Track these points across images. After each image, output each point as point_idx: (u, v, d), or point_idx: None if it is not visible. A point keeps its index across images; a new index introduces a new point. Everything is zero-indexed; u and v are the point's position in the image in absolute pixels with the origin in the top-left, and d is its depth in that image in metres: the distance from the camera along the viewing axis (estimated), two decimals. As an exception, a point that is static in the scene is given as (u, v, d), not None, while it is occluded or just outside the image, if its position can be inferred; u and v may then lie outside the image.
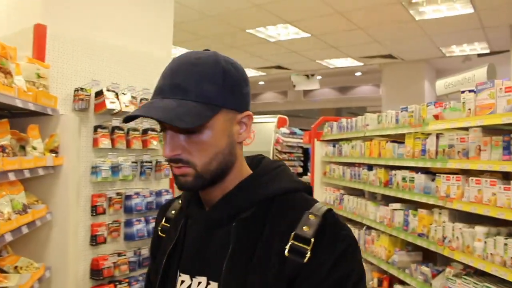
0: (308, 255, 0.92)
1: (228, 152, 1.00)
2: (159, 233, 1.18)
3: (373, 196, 4.47)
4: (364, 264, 4.38)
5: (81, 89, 2.73)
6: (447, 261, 3.07)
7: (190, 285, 1.03)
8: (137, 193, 3.02)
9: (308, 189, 1.09)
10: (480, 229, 2.66)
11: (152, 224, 3.13)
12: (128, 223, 3.00)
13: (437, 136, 3.16)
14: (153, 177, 3.20)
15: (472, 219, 2.90)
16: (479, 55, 9.83)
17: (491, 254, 2.53)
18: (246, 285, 0.95)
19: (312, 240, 0.93)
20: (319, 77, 12.91)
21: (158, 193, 3.18)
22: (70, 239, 2.70)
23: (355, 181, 4.51)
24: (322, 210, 0.98)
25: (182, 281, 1.05)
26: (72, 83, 2.73)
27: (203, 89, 0.94)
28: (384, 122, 3.97)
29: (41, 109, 2.25)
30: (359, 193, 4.73)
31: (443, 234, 2.97)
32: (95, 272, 2.80)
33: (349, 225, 4.11)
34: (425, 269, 3.22)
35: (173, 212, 1.19)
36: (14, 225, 1.95)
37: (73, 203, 2.72)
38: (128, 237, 2.99)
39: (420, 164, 3.28)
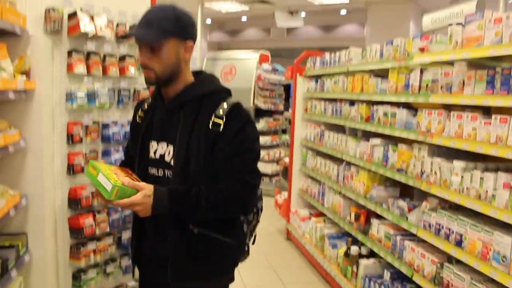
0: (221, 127, 1.65)
1: (176, 64, 1.70)
2: (138, 120, 1.90)
3: (354, 133, 4.48)
4: (342, 199, 4.43)
5: (53, 9, 2.56)
6: (424, 197, 3.12)
7: (157, 148, 1.78)
8: (114, 122, 2.93)
9: (228, 92, 1.80)
10: (458, 164, 2.68)
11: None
12: (106, 153, 2.94)
13: (422, 70, 3.12)
14: (131, 106, 3.11)
15: (451, 154, 2.92)
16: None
17: (467, 188, 2.57)
18: (189, 144, 1.67)
19: (224, 118, 1.66)
20: (303, 15, 12.59)
21: (137, 123, 3.10)
22: (46, 167, 2.64)
23: (337, 117, 4.49)
24: (232, 102, 1.71)
25: (152, 145, 1.79)
26: (42, 1, 2.55)
27: (161, 23, 1.64)
28: (368, 57, 3.89)
29: (8, 27, 2.10)
30: (340, 129, 4.73)
31: (421, 169, 3.01)
32: (73, 201, 2.76)
33: (328, 161, 4.11)
34: (401, 203, 3.28)
35: (146, 105, 1.89)
36: (-16, 148, 1.87)
37: (48, 130, 2.63)
38: (106, 167, 2.94)
39: (402, 99, 3.26)
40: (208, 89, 1.75)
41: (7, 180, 2.54)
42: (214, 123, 1.65)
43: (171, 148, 1.73)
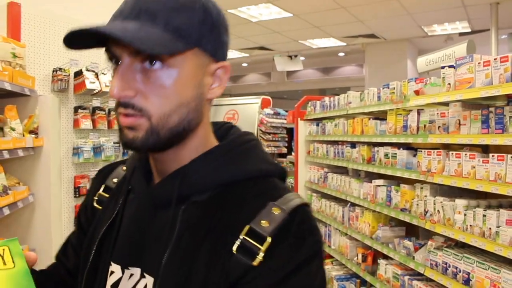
0: (259, 257, 0.71)
1: (194, 107, 0.78)
2: (95, 203, 0.94)
3: (356, 173, 4.52)
4: (348, 240, 4.42)
5: (60, 69, 2.69)
6: (429, 235, 3.13)
7: (121, 278, 0.81)
8: (120, 174, 3.01)
9: (281, 173, 0.86)
10: (460, 202, 2.71)
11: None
12: (112, 204, 3.00)
13: (418, 112, 3.20)
14: (136, 158, 3.19)
15: (453, 192, 2.95)
16: (461, 34, 9.90)
17: (470, 225, 2.58)
18: (186, 282, 0.74)
19: (269, 239, 0.72)
20: (302, 58, 12.89)
21: (142, 174, 3.17)
22: (54, 220, 2.69)
23: (339, 159, 4.55)
24: (292, 204, 0.75)
25: (112, 272, 0.83)
26: (50, 63, 2.69)
27: (176, 17, 0.73)
28: (366, 100, 3.99)
29: (18, 89, 2.21)
30: (343, 171, 4.77)
31: (424, 208, 3.03)
32: (80, 253, 2.80)
33: (333, 203, 4.07)
34: (407, 243, 3.28)
35: (114, 180, 0.95)
36: (-6, 206, 1.93)
37: (55, 185, 2.69)
38: (112, 218, 2.99)
39: (402, 140, 3.32)
40: (246, 170, 0.82)
41: (15, 235, 2.58)
42: (243, 244, 0.73)
43: (148, 282, 0.78)
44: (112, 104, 2.99)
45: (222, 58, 0.81)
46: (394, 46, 10.82)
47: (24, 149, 2.31)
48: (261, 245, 0.71)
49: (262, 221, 0.73)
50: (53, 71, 2.68)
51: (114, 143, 2.97)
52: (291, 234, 0.73)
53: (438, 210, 2.89)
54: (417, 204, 3.12)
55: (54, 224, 2.68)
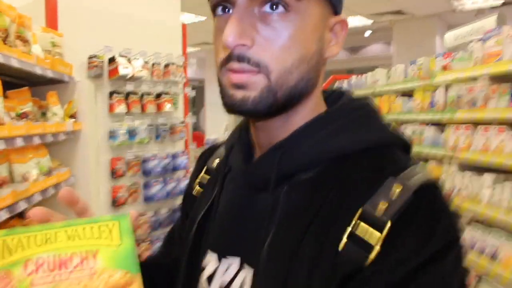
0: (376, 248, 0.56)
1: (314, 64, 0.67)
2: (196, 187, 0.86)
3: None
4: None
5: (95, 56, 2.80)
6: (458, 210, 3.16)
7: (217, 268, 0.72)
8: (154, 156, 3.13)
9: (403, 143, 0.70)
10: (488, 177, 2.72)
11: (170, 185, 3.24)
12: (147, 185, 3.12)
13: (446, 87, 3.19)
14: (169, 140, 3.30)
15: (481, 167, 2.96)
16: (493, 8, 9.60)
17: (498, 200, 2.60)
18: (291, 278, 0.61)
19: (388, 225, 0.56)
20: (328, 38, 12.75)
21: (175, 155, 3.29)
22: (93, 201, 2.84)
23: (366, 138, 4.58)
24: (418, 180, 0.59)
25: (208, 261, 0.74)
26: (85, 50, 2.80)
27: None
28: (393, 77, 3.99)
29: (58, 76, 2.33)
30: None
31: (453, 183, 3.05)
32: (118, 232, 2.95)
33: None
34: (436, 218, 3.31)
35: (216, 161, 0.84)
36: (42, 186, 2.07)
37: (93, 167, 2.84)
38: (148, 199, 3.12)
39: (429, 117, 3.33)
40: (360, 139, 0.67)
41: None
42: (356, 234, 0.58)
43: (248, 273, 0.68)
44: (144, 88, 3.11)
45: (340, 12, 0.72)
46: (422, 22, 10.59)
47: (65, 133, 2.45)
48: (380, 232, 0.57)
49: (380, 202, 0.58)
50: (89, 57, 2.80)
51: (147, 126, 3.09)
52: (417, 219, 0.57)
53: (466, 185, 2.91)
54: (445, 180, 3.14)
55: (92, 204, 2.83)
